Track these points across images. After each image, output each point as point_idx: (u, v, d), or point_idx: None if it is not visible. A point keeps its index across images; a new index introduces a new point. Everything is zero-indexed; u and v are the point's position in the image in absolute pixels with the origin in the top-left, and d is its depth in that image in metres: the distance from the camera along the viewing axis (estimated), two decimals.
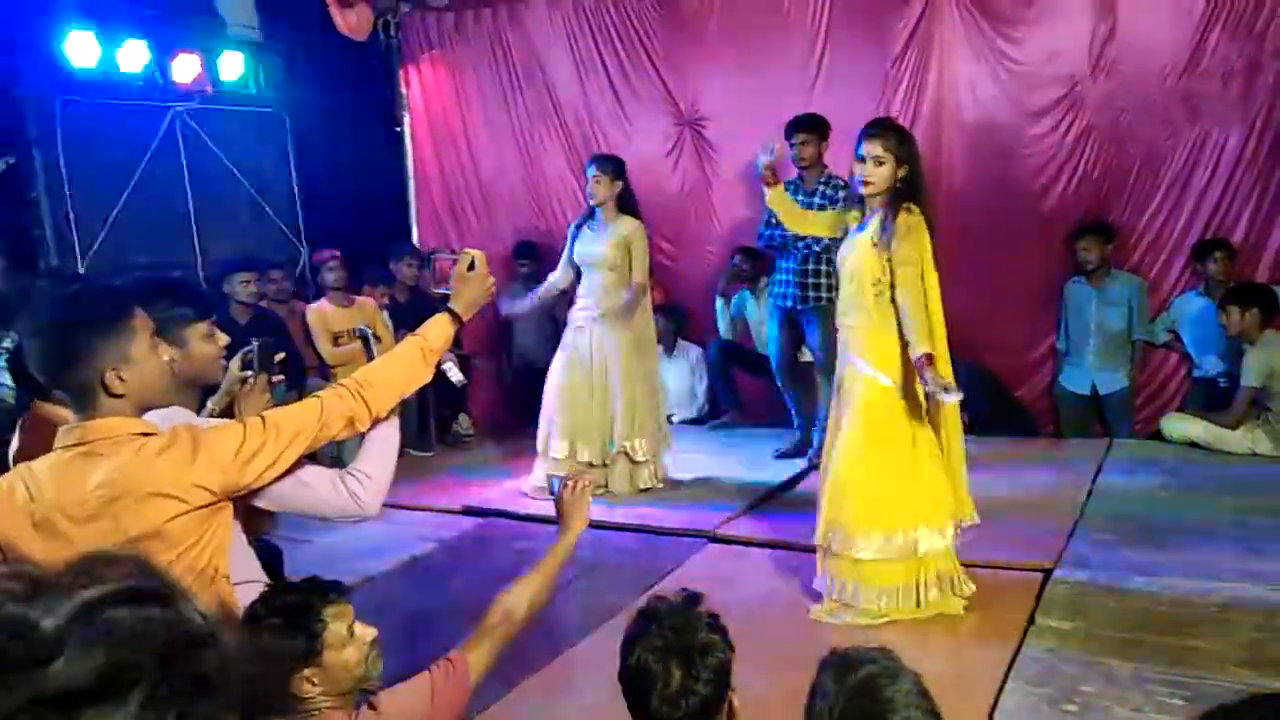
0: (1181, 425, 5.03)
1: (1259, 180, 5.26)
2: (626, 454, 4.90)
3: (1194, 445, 4.96)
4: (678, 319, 6.41)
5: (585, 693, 2.97)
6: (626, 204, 4.95)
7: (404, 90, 7.23)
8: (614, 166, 4.95)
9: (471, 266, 2.27)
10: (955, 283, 5.58)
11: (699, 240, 6.52)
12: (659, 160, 6.54)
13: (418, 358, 2.14)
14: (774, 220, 5.15)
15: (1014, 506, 4.22)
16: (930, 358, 3.17)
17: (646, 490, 4.91)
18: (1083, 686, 2.79)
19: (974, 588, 3.41)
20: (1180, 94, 5.30)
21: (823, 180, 5.11)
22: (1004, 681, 2.84)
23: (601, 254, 4.87)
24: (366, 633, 1.82)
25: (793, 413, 5.51)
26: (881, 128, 3.45)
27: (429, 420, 6.14)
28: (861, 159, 3.33)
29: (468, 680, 1.89)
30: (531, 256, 6.52)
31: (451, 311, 2.23)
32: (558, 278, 5.10)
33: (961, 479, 3.42)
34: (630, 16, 6.48)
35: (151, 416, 1.97)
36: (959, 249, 5.66)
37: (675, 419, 6.26)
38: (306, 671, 1.73)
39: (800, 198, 5.06)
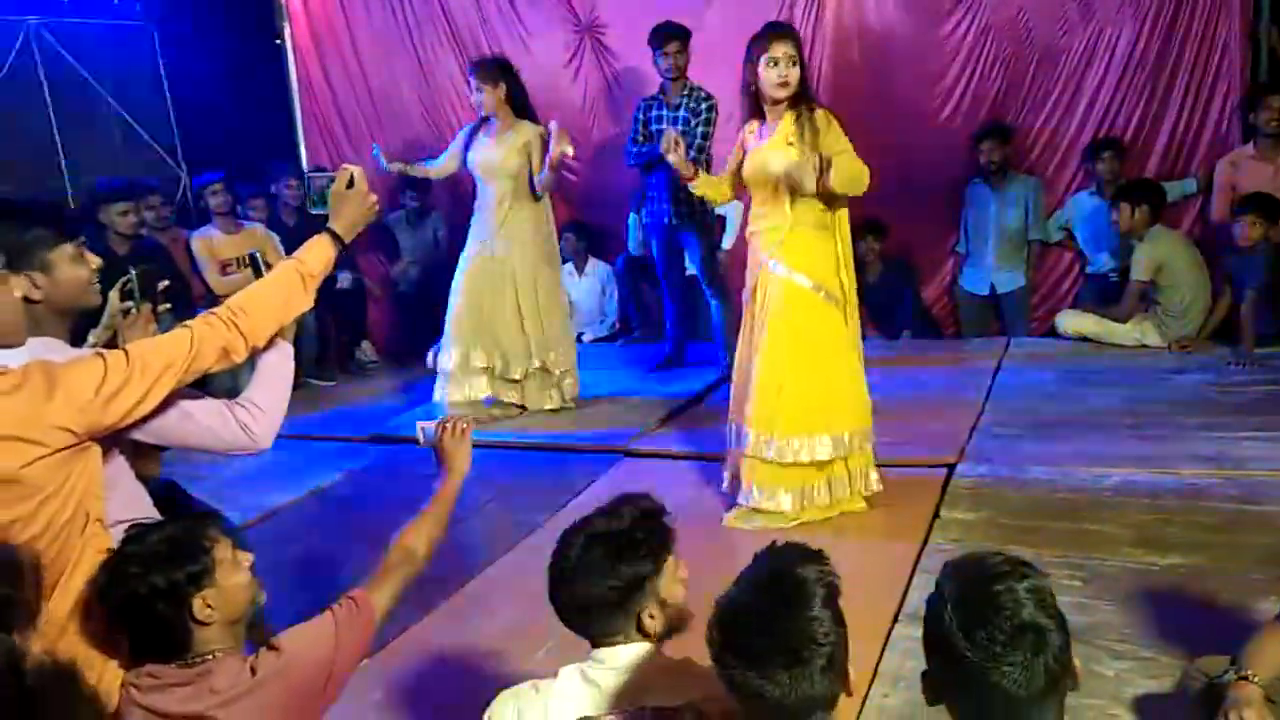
0: (1075, 321, 5.19)
1: (1149, 79, 5.37)
2: (544, 368, 4.80)
3: (1087, 340, 5.13)
4: (586, 236, 6.29)
5: (501, 612, 2.95)
6: (521, 107, 4.74)
7: None
8: (494, 71, 4.66)
9: (351, 184, 2.13)
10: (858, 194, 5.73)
11: (604, 153, 6.36)
12: (559, 70, 6.32)
13: (295, 282, 2.02)
14: (642, 136, 5.08)
15: (917, 406, 4.33)
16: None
17: (558, 410, 4.85)
18: None
19: (881, 486, 3.48)
20: None
21: (686, 93, 5.00)
22: (912, 574, 2.92)
23: (500, 162, 4.66)
24: (245, 557, 1.75)
25: (669, 325, 5.50)
26: (789, 28, 3.41)
27: (330, 349, 5.94)
28: (775, 61, 3.27)
29: (372, 620, 1.84)
30: (418, 188, 6.22)
31: (331, 232, 2.11)
32: (438, 164, 4.90)
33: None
34: None
35: (19, 353, 1.81)
36: (863, 156, 5.70)
37: (586, 338, 6.21)
38: (203, 594, 1.64)
39: (664, 112, 4.98)
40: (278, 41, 6.81)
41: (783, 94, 3.29)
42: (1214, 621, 2.54)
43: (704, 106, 4.90)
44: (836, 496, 3.41)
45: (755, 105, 3.39)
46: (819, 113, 3.30)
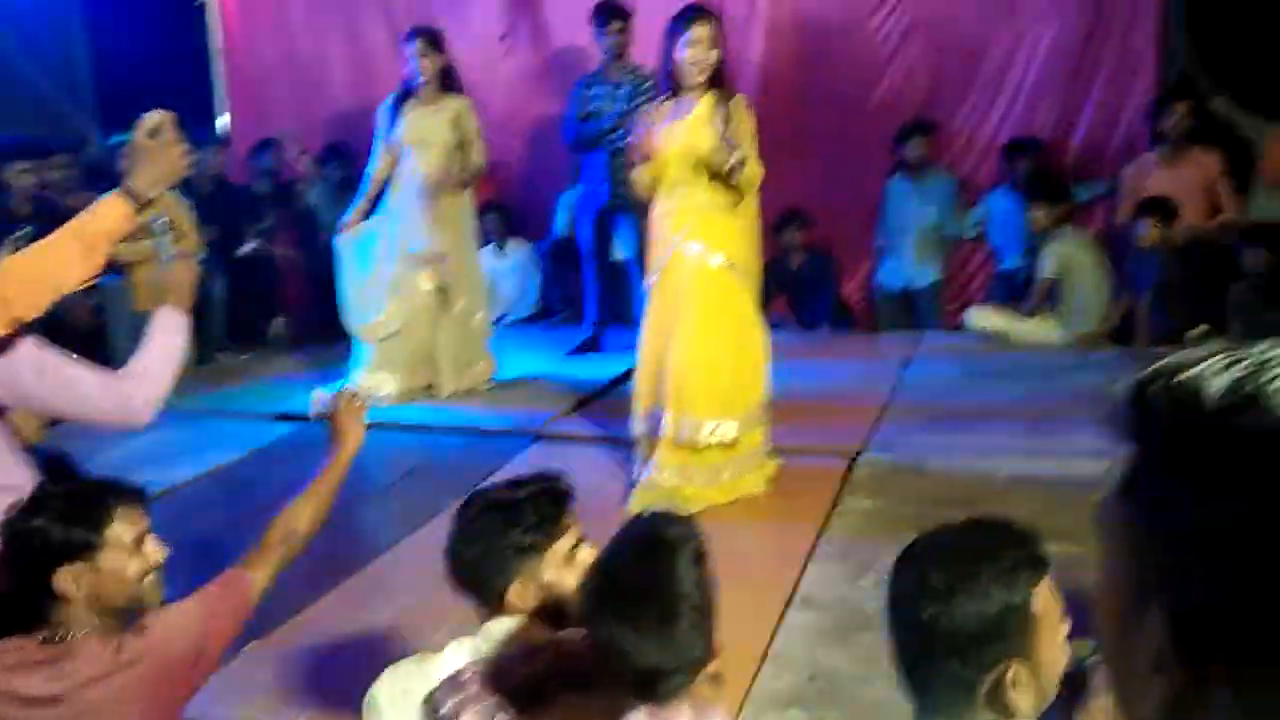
0: (983, 317, 5.33)
1: (1067, 82, 5.52)
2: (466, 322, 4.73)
3: (995, 336, 5.28)
4: (508, 215, 6.24)
5: (400, 595, 2.93)
6: (451, 81, 4.70)
7: None
8: (436, 38, 4.67)
9: (155, 134, 1.91)
10: (785, 182, 5.80)
11: (535, 131, 6.31)
12: (492, 44, 6.25)
13: (69, 246, 1.81)
14: (582, 114, 5.06)
15: (826, 396, 4.41)
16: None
17: (472, 391, 4.82)
18: (881, 559, 2.95)
19: (776, 464, 3.54)
20: None
21: (629, 71, 5.00)
22: (807, 561, 2.98)
23: (436, 132, 4.60)
24: (155, 552, 1.69)
25: (590, 309, 5.51)
26: (705, 10, 3.44)
27: (239, 323, 5.79)
28: (692, 43, 3.31)
29: (247, 598, 1.80)
30: (343, 158, 6.03)
31: (127, 189, 1.88)
32: (380, 168, 4.79)
33: None
34: None
35: None
36: (791, 148, 5.79)
37: (507, 319, 6.18)
38: (73, 568, 1.58)
39: (605, 90, 4.97)
40: (201, 2, 6.60)
41: (699, 77, 3.34)
42: (1089, 607, 2.64)
43: (647, 85, 4.87)
44: (739, 475, 3.47)
45: (672, 83, 3.42)
46: (738, 98, 3.38)
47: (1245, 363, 0.53)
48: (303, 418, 4.48)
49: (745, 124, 3.37)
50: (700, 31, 3.33)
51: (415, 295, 4.69)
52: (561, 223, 6.12)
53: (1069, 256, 5.06)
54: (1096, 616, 0.60)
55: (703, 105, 3.37)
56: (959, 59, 5.63)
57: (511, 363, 5.08)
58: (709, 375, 3.38)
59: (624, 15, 4.98)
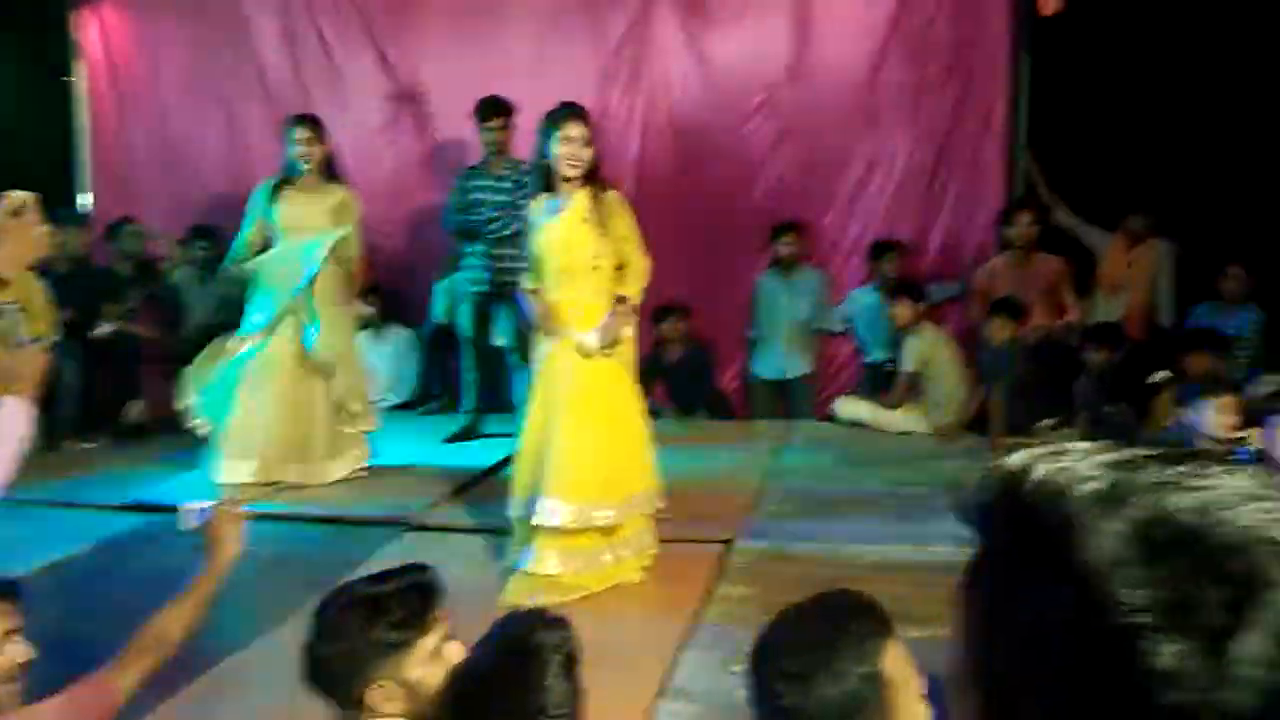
0: (850, 407, 5.55)
1: (924, 188, 5.91)
2: (342, 409, 4.61)
3: (862, 425, 5.48)
4: (387, 301, 6.19)
5: (256, 695, 2.77)
6: (333, 169, 4.70)
7: (79, 36, 6.44)
8: (320, 125, 4.70)
9: (18, 214, 1.86)
10: (665, 276, 5.96)
11: (414, 219, 6.33)
12: (375, 133, 6.28)
13: None
14: (461, 207, 5.13)
15: (702, 485, 4.46)
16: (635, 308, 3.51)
17: (344, 480, 4.67)
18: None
19: (655, 550, 3.56)
20: (862, 106, 5.83)
21: (509, 165, 5.12)
22: (681, 648, 2.97)
23: (317, 219, 4.57)
24: (18, 652, 1.57)
25: (472, 396, 5.49)
26: (580, 109, 3.56)
27: (93, 406, 5.48)
28: (567, 140, 3.40)
29: (113, 703, 1.70)
30: (210, 238, 5.95)
31: None
32: (250, 240, 4.67)
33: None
34: None
35: None
36: (668, 244, 5.98)
37: (383, 405, 6.05)
38: None
39: (486, 181, 5.07)
40: (67, 79, 6.42)
41: (573, 172, 3.43)
42: (939, 687, 2.71)
43: (527, 179, 4.96)
44: (618, 560, 3.46)
45: (545, 180, 3.50)
46: (611, 194, 3.49)
47: (1097, 462, 0.56)
48: (152, 508, 4.26)
49: (622, 219, 3.49)
50: (574, 129, 3.42)
51: (283, 379, 4.56)
52: (440, 309, 6.10)
53: (928, 351, 5.34)
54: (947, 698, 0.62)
55: (578, 201, 3.46)
56: (826, 166, 5.97)
57: (386, 449, 4.97)
58: (589, 461, 3.39)
59: (506, 111, 5.11)
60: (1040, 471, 0.57)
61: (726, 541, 3.79)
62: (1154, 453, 0.57)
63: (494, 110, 5.09)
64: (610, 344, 3.45)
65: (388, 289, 6.23)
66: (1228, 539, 0.54)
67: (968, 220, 5.91)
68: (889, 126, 5.88)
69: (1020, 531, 0.56)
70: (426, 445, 5.31)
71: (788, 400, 5.98)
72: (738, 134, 6.03)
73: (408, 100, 6.27)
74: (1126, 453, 0.57)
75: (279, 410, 4.54)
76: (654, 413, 5.94)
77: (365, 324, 5.73)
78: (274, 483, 4.53)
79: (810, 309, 5.92)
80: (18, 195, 1.90)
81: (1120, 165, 5.36)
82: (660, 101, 6.07)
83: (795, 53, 5.87)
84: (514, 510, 3.54)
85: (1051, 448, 0.59)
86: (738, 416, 6.07)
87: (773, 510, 4.20)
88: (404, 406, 6.17)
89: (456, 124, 5.99)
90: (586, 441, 3.40)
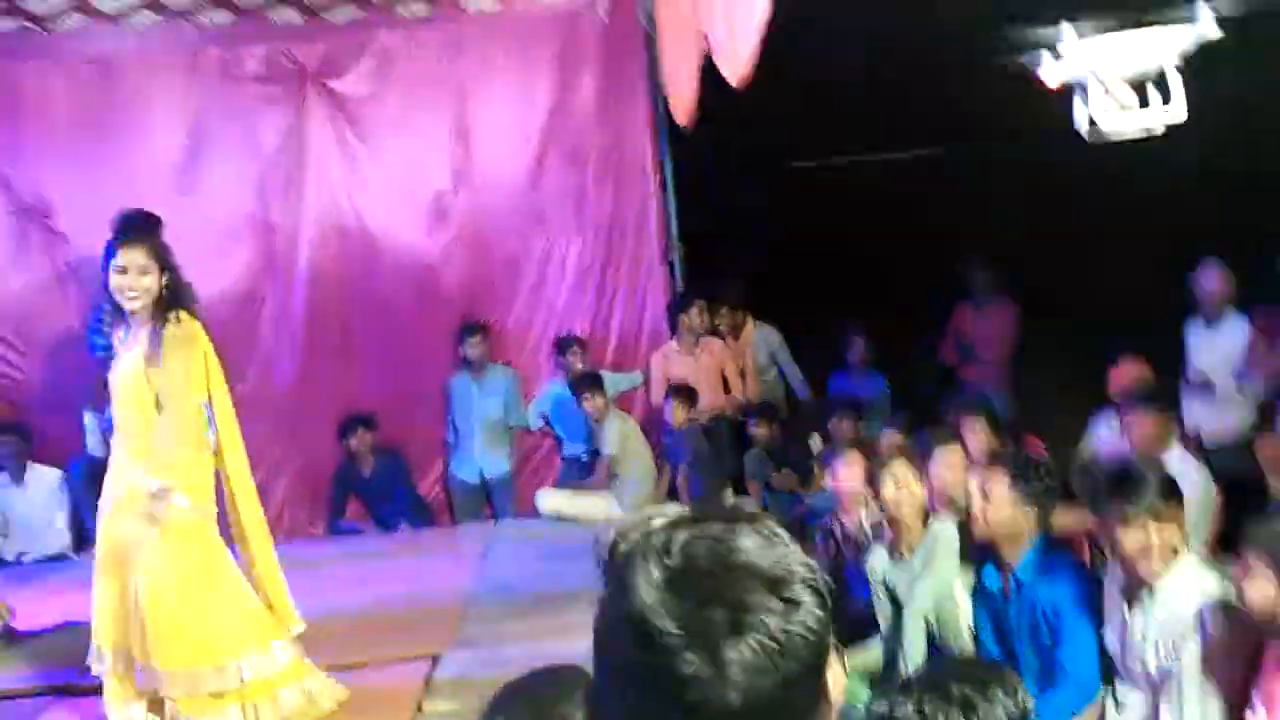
0: (551, 500, 5.64)
1: (597, 284, 6.22)
2: None
3: (564, 517, 5.58)
4: (26, 437, 5.45)
5: None
6: None
7: None
8: None
9: None
10: (349, 386, 5.81)
11: (52, 345, 5.66)
12: None
13: None
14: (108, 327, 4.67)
15: (406, 598, 4.30)
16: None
17: None
18: None
19: (343, 693, 3.30)
20: (529, 209, 6.07)
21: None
22: None
23: None
24: None
25: None
26: (140, 231, 3.34)
27: None
28: (120, 269, 3.04)
29: None
30: None
31: None
32: None
33: (281, 588, 3.30)
34: None
35: None
36: (345, 352, 5.85)
37: (28, 558, 5.29)
38: None
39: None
40: None
41: (135, 305, 3.08)
42: None
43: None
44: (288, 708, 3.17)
45: (117, 309, 3.18)
46: (169, 330, 3.08)
47: (661, 524, 0.83)
48: None
49: (180, 351, 3.09)
50: (133, 255, 3.05)
51: None
52: (93, 441, 5.47)
53: (625, 436, 5.59)
54: None
55: (143, 336, 3.11)
56: (501, 267, 6.11)
57: (37, 609, 4.32)
58: (186, 627, 3.06)
59: (149, 227, 4.70)
60: (627, 535, 0.83)
61: (435, 656, 3.68)
62: (698, 515, 0.83)
63: (134, 226, 4.69)
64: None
65: (26, 427, 5.50)
66: (730, 575, 0.78)
67: (640, 312, 6.28)
68: (557, 228, 6.14)
69: (610, 578, 0.83)
70: (87, 598, 4.66)
71: (491, 499, 5.96)
72: (409, 239, 6.03)
73: (32, 218, 5.66)
74: (682, 515, 0.84)
75: None
76: (353, 530, 5.74)
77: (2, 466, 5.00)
78: None
79: (502, 407, 5.99)
80: None
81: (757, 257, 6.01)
82: (325, 211, 5.94)
83: (460, 159, 6.00)
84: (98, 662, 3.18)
85: (647, 514, 0.85)
86: (443, 522, 5.95)
87: (484, 615, 4.13)
88: (57, 558, 5.40)
89: (93, 241, 5.48)
90: (177, 603, 3.07)
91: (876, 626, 3.44)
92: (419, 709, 3.27)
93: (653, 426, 5.85)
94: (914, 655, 3.16)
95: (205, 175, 5.72)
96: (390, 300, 5.93)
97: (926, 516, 3.40)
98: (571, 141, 6.05)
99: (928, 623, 3.21)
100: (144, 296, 3.07)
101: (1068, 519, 3.35)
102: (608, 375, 5.89)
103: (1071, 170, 5.62)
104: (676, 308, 5.99)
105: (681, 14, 5.01)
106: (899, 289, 6.70)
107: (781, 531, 0.83)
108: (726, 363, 6.03)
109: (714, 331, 6.09)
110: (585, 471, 5.86)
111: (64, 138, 5.70)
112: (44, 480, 5.47)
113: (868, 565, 3.51)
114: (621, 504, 5.53)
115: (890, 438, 4.12)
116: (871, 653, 3.40)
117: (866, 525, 3.82)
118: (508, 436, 6.04)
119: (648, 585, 0.78)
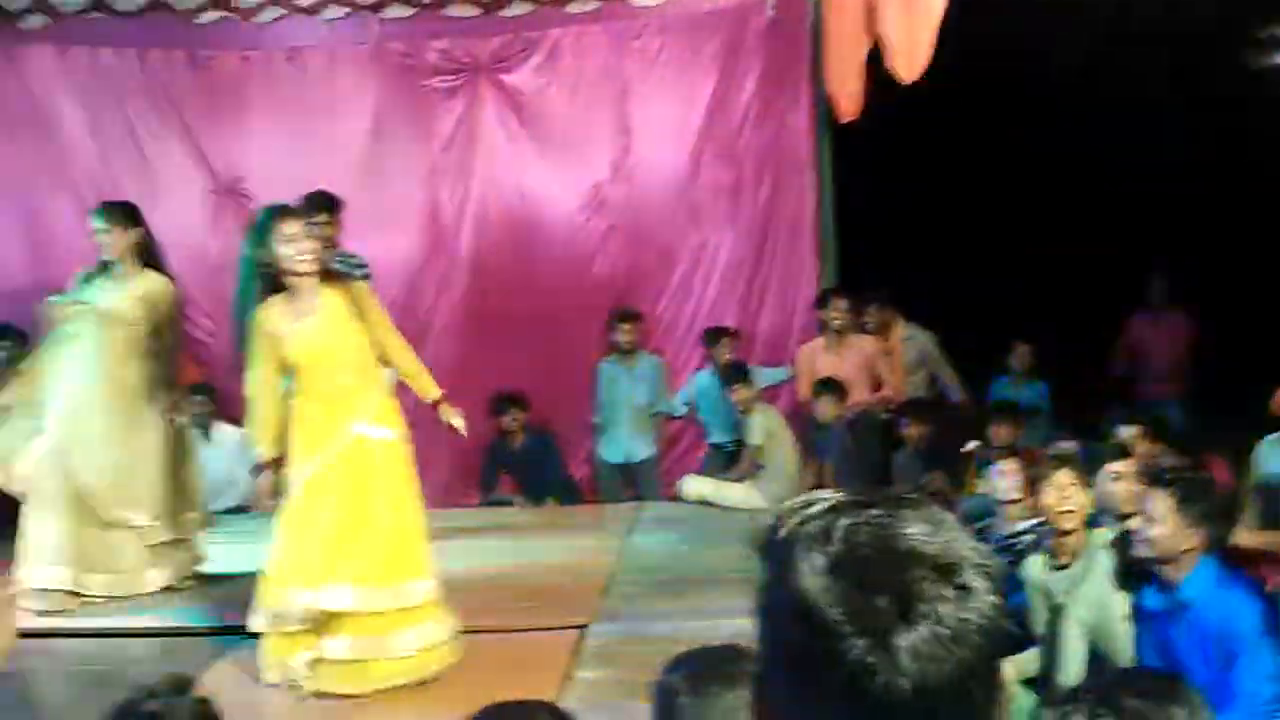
0: (695, 486, 5.72)
1: (748, 279, 6.26)
2: (134, 529, 4.27)
3: (706, 503, 5.65)
4: (215, 399, 5.91)
5: None
6: (151, 257, 4.47)
7: None
8: (123, 214, 4.42)
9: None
10: (501, 365, 6.03)
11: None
12: (194, 228, 6.08)
13: None
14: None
15: (554, 570, 4.48)
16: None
17: (171, 589, 4.37)
18: None
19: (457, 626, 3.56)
20: (684, 204, 6.17)
21: (339, 260, 5.07)
22: None
23: (122, 307, 4.30)
24: None
25: None
26: (295, 210, 3.66)
27: None
28: (290, 238, 3.43)
29: None
30: (15, 337, 5.56)
31: None
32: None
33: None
34: (158, 77, 6.07)
35: None
36: (503, 333, 6.09)
37: (213, 508, 5.73)
38: None
39: None
40: None
41: (303, 267, 3.42)
42: None
43: (359, 274, 4.90)
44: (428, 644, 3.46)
45: (271, 284, 3.48)
46: (360, 286, 3.63)
47: (821, 509, 0.79)
48: None
49: (375, 307, 3.59)
50: (294, 227, 3.42)
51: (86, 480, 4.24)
52: None
53: (770, 428, 5.61)
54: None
55: (327, 300, 3.47)
56: (654, 258, 6.23)
57: (222, 555, 4.68)
58: (397, 541, 3.43)
59: (329, 208, 5.02)
60: (787, 520, 0.81)
61: (582, 626, 3.80)
62: (859, 499, 0.80)
63: (320, 205, 5.02)
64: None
65: (216, 385, 5.96)
66: (897, 560, 0.76)
67: (789, 309, 6.27)
68: (710, 223, 6.21)
69: (770, 563, 0.81)
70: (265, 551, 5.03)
71: (635, 482, 6.09)
72: (568, 227, 6.22)
73: (228, 194, 6.14)
74: (842, 498, 0.80)
75: (78, 514, 4.20)
76: (504, 502, 5.98)
77: (194, 424, 5.43)
78: (77, 593, 4.16)
79: (649, 394, 6.10)
80: None
81: (919, 255, 5.90)
82: (490, 197, 6.20)
83: (619, 152, 6.15)
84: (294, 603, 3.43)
85: (805, 498, 0.83)
86: (588, 501, 6.12)
87: (626, 592, 4.25)
88: (237, 510, 5.84)
89: None
90: (396, 521, 3.46)
91: (1028, 633, 3.35)
92: (567, 676, 3.38)
93: (797, 421, 5.83)
94: (1071, 663, 3.06)
95: (383, 160, 6.06)
96: (547, 286, 6.13)
97: (1088, 526, 3.29)
98: (730, 138, 6.10)
99: (1087, 631, 3.11)
100: (312, 259, 3.43)
101: (1257, 539, 3.17)
102: (755, 368, 5.91)
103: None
104: (817, 304, 5.94)
105: (850, 13, 4.99)
106: (1069, 296, 6.46)
107: (947, 515, 0.80)
108: (876, 360, 5.94)
109: (862, 329, 6.01)
110: (729, 461, 5.90)
111: (258, 122, 6.18)
112: (230, 438, 5.92)
113: (1023, 572, 3.42)
114: (764, 495, 5.54)
115: (1058, 447, 3.99)
116: (1026, 658, 3.31)
117: (1024, 532, 3.72)
118: (653, 422, 6.14)
119: (811, 571, 0.76)
